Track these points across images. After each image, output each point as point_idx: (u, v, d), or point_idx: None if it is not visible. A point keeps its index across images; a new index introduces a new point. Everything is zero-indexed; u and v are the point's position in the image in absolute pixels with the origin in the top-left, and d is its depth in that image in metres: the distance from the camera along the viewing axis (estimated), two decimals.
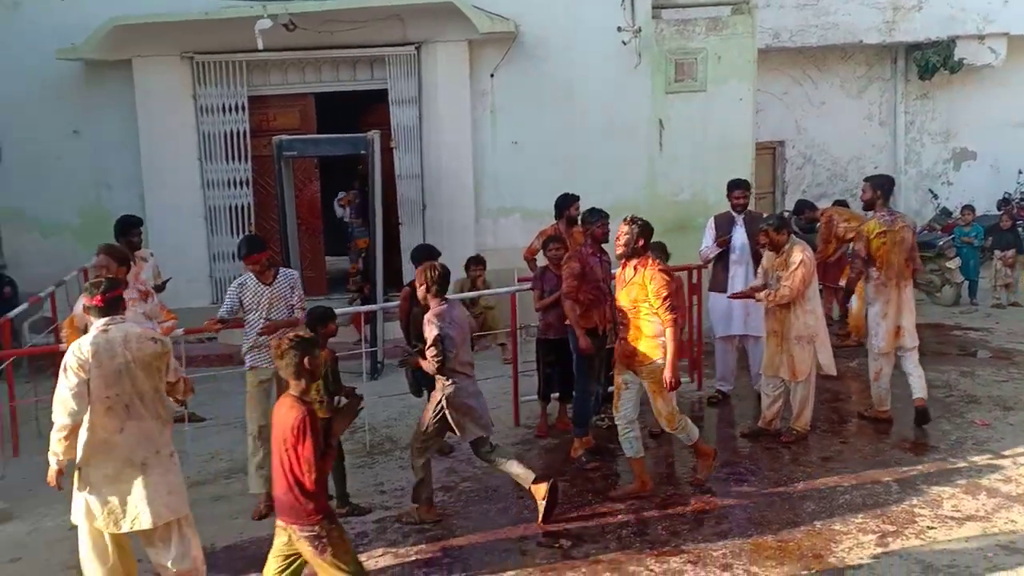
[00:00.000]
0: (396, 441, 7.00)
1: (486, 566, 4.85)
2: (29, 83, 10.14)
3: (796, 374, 6.55)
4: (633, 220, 5.57)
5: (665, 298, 5.40)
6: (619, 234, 5.58)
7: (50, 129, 10.23)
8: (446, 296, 5.43)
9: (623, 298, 5.62)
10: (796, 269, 6.39)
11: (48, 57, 9.91)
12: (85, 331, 5.88)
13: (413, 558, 5.01)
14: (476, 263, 9.55)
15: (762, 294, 6.59)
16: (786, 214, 11.02)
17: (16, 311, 7.74)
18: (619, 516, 5.42)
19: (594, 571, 4.75)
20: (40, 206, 10.36)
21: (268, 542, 5.20)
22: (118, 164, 10.32)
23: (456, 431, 5.37)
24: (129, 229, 7.34)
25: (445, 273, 5.43)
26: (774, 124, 14.19)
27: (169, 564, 4.25)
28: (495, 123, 10.37)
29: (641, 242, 5.52)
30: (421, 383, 6.52)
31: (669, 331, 5.41)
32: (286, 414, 3.79)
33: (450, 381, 5.29)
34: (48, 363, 8.39)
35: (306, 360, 3.83)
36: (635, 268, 5.55)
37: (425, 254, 6.61)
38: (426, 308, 5.43)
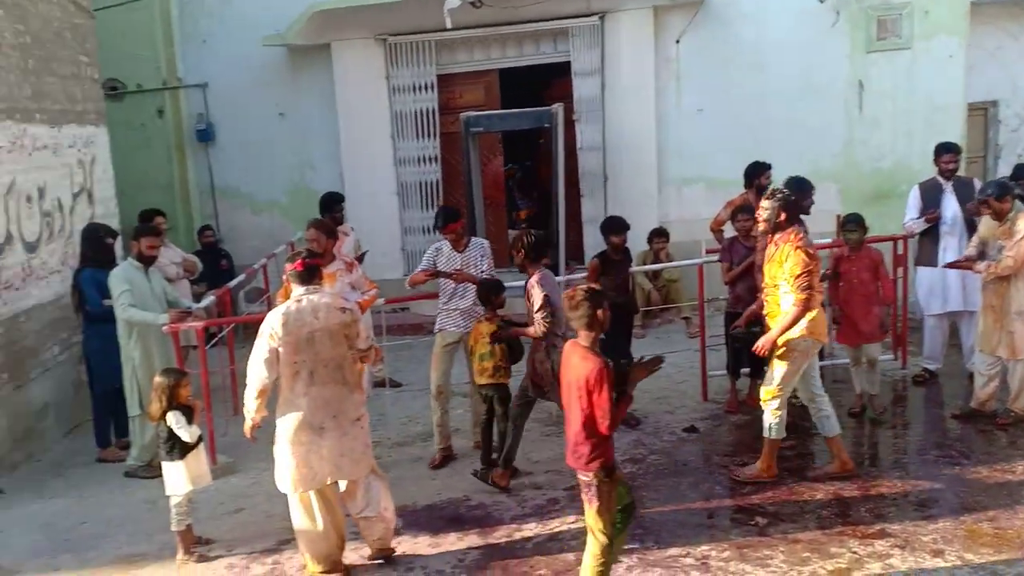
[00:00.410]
0: None
1: (678, 539, 4.81)
2: (240, 71, 10.94)
3: (1016, 352, 6.03)
4: (774, 194, 5.33)
5: (798, 276, 5.12)
6: (759, 208, 5.37)
7: (259, 113, 11.00)
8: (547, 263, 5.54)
9: (765, 275, 5.43)
10: (1022, 239, 5.86)
11: (256, 45, 10.64)
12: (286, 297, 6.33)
13: None
14: (658, 235, 9.43)
15: (981, 265, 6.09)
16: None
17: (234, 282, 8.42)
18: (818, 496, 5.22)
19: (792, 550, 4.60)
20: (251, 185, 11.20)
21: (463, 502, 5.45)
22: (319, 144, 10.96)
23: (545, 395, 5.50)
24: (333, 205, 7.78)
25: (541, 239, 5.58)
26: (986, 83, 12.97)
27: (357, 513, 4.68)
28: (680, 91, 10.14)
29: (783, 217, 5.25)
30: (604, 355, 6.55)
31: (793, 308, 5.14)
32: (579, 364, 3.91)
33: (556, 346, 5.31)
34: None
35: (598, 312, 3.95)
36: (776, 244, 5.31)
37: (615, 226, 6.58)
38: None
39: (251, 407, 4.49)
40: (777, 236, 5.29)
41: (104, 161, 8.93)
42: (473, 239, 6.29)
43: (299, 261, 4.57)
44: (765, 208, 5.30)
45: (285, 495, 5.52)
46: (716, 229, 7.95)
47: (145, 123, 10.98)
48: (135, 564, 4.97)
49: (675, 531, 4.91)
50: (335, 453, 4.50)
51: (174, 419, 4.96)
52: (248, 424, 4.54)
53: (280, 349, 4.38)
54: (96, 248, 6.99)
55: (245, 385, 7.73)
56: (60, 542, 5.31)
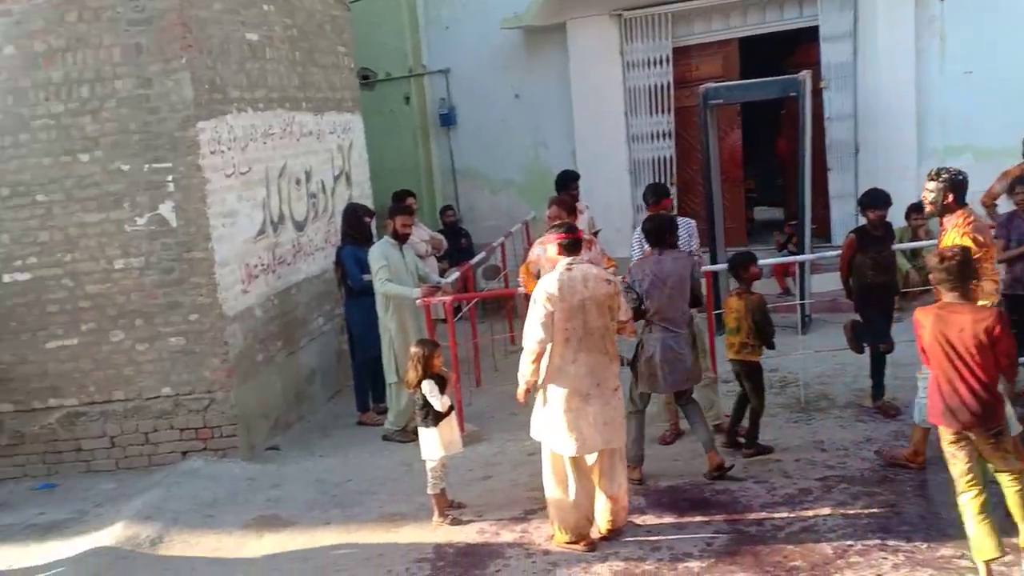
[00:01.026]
0: (832, 399, 6.66)
1: (949, 539, 4.41)
2: (480, 55, 11.31)
3: None
4: (938, 174, 4.79)
5: None
6: (924, 191, 4.86)
7: (496, 95, 11.33)
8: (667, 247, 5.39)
9: None
10: None
11: (494, 29, 10.94)
12: (538, 276, 6.46)
13: (865, 521, 4.73)
14: (917, 211, 8.66)
15: None
16: None
17: (475, 260, 8.74)
18: None
19: None
20: (488, 166, 11.58)
21: (707, 485, 5.32)
22: (553, 124, 11.12)
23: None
24: (568, 183, 7.85)
25: (660, 223, 5.44)
26: None
27: (602, 488, 4.74)
28: (943, 52, 9.25)
29: (950, 198, 4.73)
30: (861, 339, 6.14)
31: None
32: (971, 322, 3.91)
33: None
34: (497, 306, 9.42)
35: (968, 270, 4.03)
36: (944, 229, 4.80)
37: (875, 200, 6.16)
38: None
39: (526, 371, 4.64)
40: (946, 218, 4.80)
41: (360, 146, 9.57)
42: (679, 219, 6.17)
43: (561, 234, 4.72)
44: (929, 190, 4.82)
45: (530, 465, 5.71)
46: (988, 203, 7.20)
47: (393, 109, 11.65)
48: (395, 522, 5.30)
49: (945, 531, 4.51)
50: (600, 421, 4.60)
51: (428, 387, 5.22)
52: (522, 388, 4.69)
53: (556, 314, 4.50)
54: (355, 226, 7.50)
55: (488, 358, 8.14)
56: (330, 498, 5.78)
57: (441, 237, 8.84)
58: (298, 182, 8.08)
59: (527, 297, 6.76)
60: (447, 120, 11.57)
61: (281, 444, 6.93)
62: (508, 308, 9.21)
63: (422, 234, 8.36)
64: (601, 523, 4.86)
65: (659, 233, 5.41)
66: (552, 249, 4.86)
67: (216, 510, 5.60)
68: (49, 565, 4.98)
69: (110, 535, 5.19)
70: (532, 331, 4.57)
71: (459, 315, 7.85)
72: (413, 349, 5.37)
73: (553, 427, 4.65)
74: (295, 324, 7.73)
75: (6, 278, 6.47)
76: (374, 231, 7.87)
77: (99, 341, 6.48)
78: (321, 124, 8.70)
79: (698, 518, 4.97)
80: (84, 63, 6.30)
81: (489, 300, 8.98)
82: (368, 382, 7.41)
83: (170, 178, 6.40)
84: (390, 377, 6.85)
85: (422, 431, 5.29)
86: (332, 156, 8.89)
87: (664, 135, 10.63)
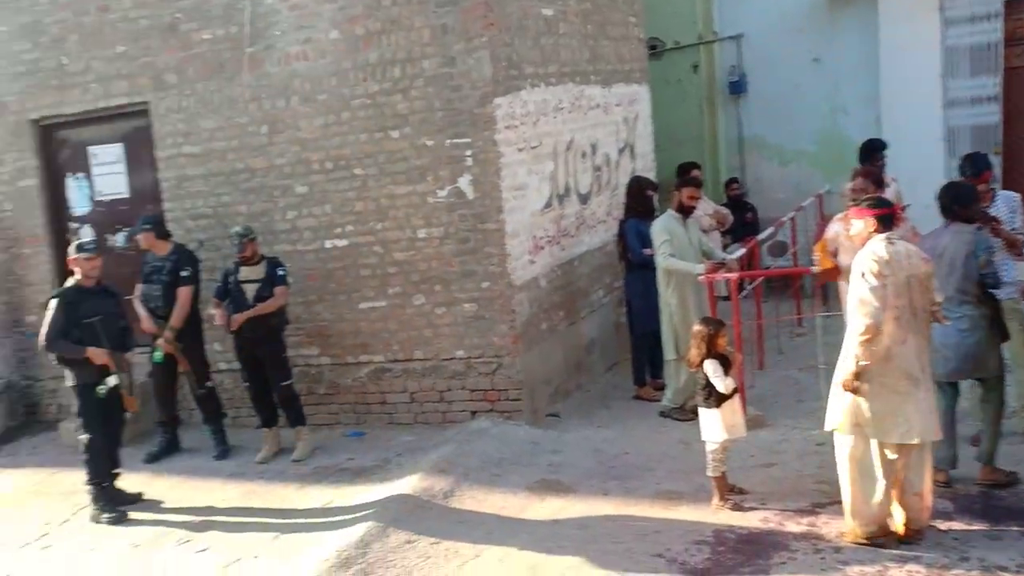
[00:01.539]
0: None
1: None
2: (775, 18, 10.73)
3: None
4: None
5: None
6: None
7: (791, 61, 10.69)
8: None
9: None
10: None
11: None
12: (835, 255, 6.04)
13: None
14: None
15: None
16: None
17: (763, 235, 8.37)
18: None
19: None
20: (779, 135, 10.99)
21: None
22: (855, 88, 10.32)
23: None
24: (873, 152, 7.24)
25: (948, 192, 4.96)
26: None
27: (906, 483, 4.39)
28: None
29: None
30: None
31: None
32: None
33: None
34: (784, 285, 8.97)
35: None
36: None
37: None
38: None
39: (858, 351, 4.28)
40: None
41: (645, 117, 9.50)
42: (1000, 192, 5.56)
43: (874, 209, 4.43)
44: None
45: (817, 456, 5.40)
46: None
47: (680, 79, 11.40)
48: (673, 501, 5.26)
49: None
50: (926, 408, 4.30)
51: (711, 368, 5.08)
52: (851, 371, 4.32)
53: (887, 288, 4.24)
54: (638, 200, 7.47)
55: (772, 339, 7.78)
56: (608, 468, 5.86)
57: (726, 211, 8.55)
58: (584, 155, 8.19)
59: (822, 276, 6.41)
60: (737, 88, 11.12)
61: (561, 411, 7.13)
62: (796, 288, 8.73)
63: (706, 208, 8.14)
64: (899, 522, 4.48)
65: (945, 202, 4.94)
66: (857, 225, 4.50)
67: (502, 470, 5.90)
68: (360, 506, 5.52)
69: (409, 484, 5.66)
70: (865, 305, 4.24)
71: (743, 293, 7.57)
72: (697, 327, 5.25)
73: (874, 411, 4.32)
74: (576, 295, 7.89)
75: (327, 244, 7.21)
76: (657, 204, 7.80)
77: (403, 304, 7.04)
78: (608, 97, 8.74)
79: (1015, 529, 4.42)
80: (397, 45, 6.78)
81: (776, 279, 8.56)
82: (646, 356, 7.39)
83: (468, 153, 6.74)
84: (669, 354, 6.78)
85: (703, 412, 5.18)
86: (618, 128, 8.91)
87: (989, 99, 9.47)
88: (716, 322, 5.29)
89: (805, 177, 10.50)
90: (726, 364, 5.12)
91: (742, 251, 7.53)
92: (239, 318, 6.44)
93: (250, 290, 6.57)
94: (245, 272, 6.61)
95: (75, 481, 6.28)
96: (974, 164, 5.60)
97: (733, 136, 11.36)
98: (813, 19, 10.50)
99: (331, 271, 7.21)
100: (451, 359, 6.96)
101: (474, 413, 6.85)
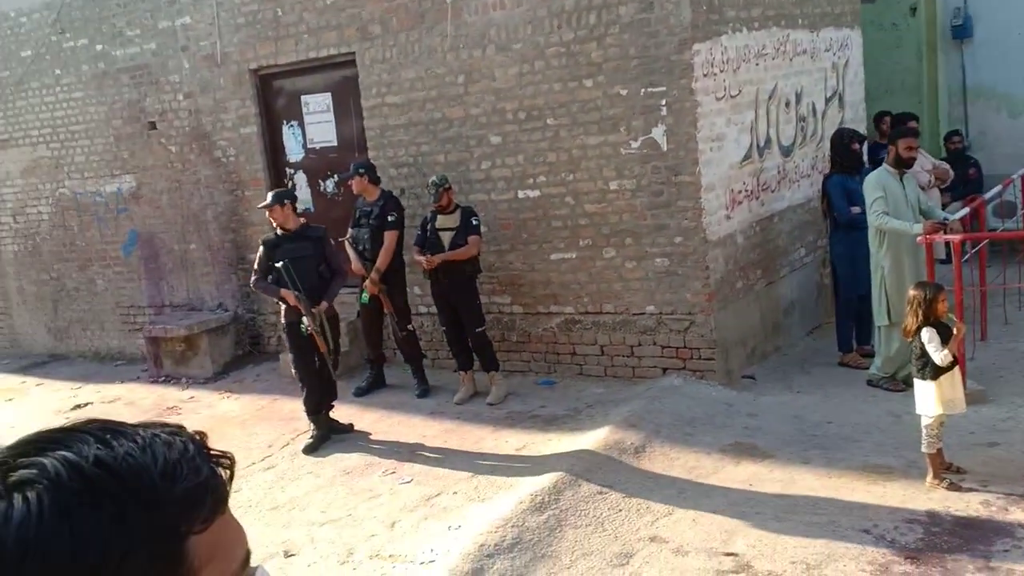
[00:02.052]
0: None
1: None
2: None
3: None
4: None
5: None
6: None
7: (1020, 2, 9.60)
8: None
9: None
10: None
11: None
12: None
13: None
14: None
15: None
16: None
17: (989, 194, 7.62)
18: None
19: None
20: (1010, 83, 9.95)
21: None
22: None
23: None
24: None
25: None
26: None
27: None
28: None
29: None
30: None
31: None
32: None
33: None
34: (1011, 250, 8.15)
35: None
36: None
37: None
38: None
39: None
40: None
41: (856, 64, 8.83)
42: None
43: None
44: None
45: None
46: None
47: (896, 22, 10.52)
48: (881, 475, 4.94)
49: None
50: None
51: (927, 336, 4.70)
52: None
53: None
54: (843, 154, 6.98)
55: (996, 308, 7.12)
56: (808, 436, 5.59)
57: (946, 166, 7.86)
58: (787, 104, 7.73)
59: None
60: (961, 32, 10.13)
61: (757, 374, 6.87)
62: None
63: (924, 163, 7.50)
64: None
65: None
66: None
67: (694, 429, 5.76)
68: (552, 455, 5.58)
69: (600, 436, 5.65)
70: None
71: (965, 257, 6.94)
72: (912, 292, 4.86)
73: None
74: (776, 253, 7.52)
75: (520, 194, 7.23)
76: (865, 159, 7.24)
77: (594, 256, 6.97)
78: (816, 42, 8.17)
79: None
80: None
81: (1002, 242, 7.79)
82: (852, 321, 6.95)
83: (663, 102, 6.51)
84: (880, 319, 6.34)
85: (918, 383, 4.81)
86: (825, 76, 8.33)
87: None
88: (935, 287, 4.88)
89: None
90: (945, 333, 4.71)
91: (965, 211, 6.89)
92: (433, 260, 6.60)
93: (446, 238, 6.72)
94: (441, 220, 6.76)
95: (294, 408, 6.78)
96: None
97: (956, 84, 10.38)
98: None
99: (523, 221, 7.24)
100: (641, 314, 6.84)
101: (665, 370, 6.73)
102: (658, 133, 6.58)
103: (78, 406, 8.12)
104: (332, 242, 6.68)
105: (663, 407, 6.05)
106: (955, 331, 4.79)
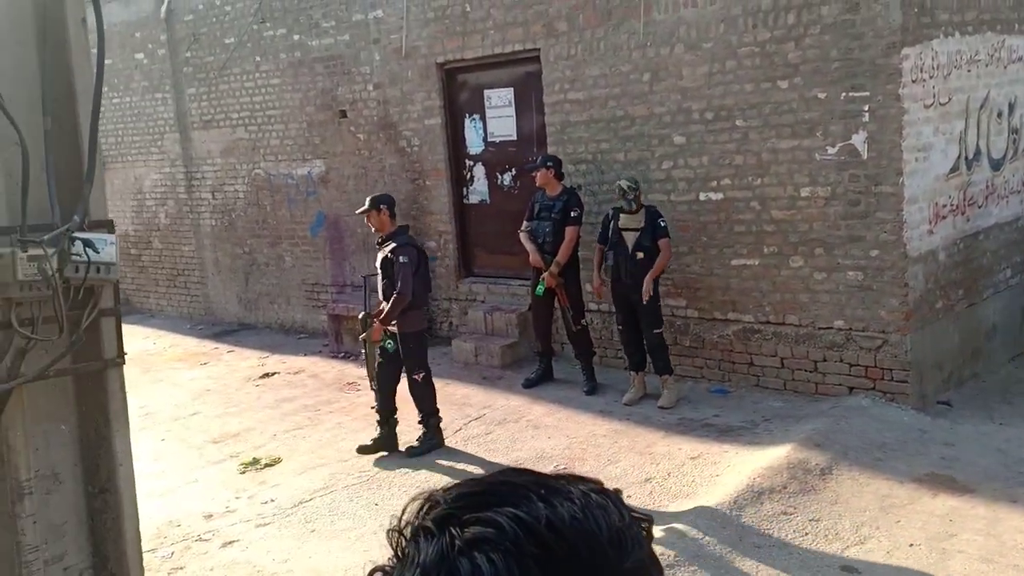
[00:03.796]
0: None
1: None
2: None
3: None
4: None
5: None
6: None
7: None
8: None
9: None
10: None
11: None
12: None
13: None
14: None
15: None
16: None
17: None
18: None
19: None
20: None
21: None
22: None
23: None
24: None
25: None
26: None
27: None
28: None
29: None
30: None
31: None
32: None
33: None
34: None
35: None
36: None
37: None
38: None
39: None
40: None
41: None
42: None
43: None
44: None
45: None
46: None
47: None
48: None
49: None
50: None
51: None
52: None
53: None
54: None
55: None
56: (1015, 473, 5.15)
57: None
58: (999, 115, 7.18)
59: None
60: None
61: (953, 400, 6.41)
62: None
63: None
64: None
65: None
66: None
67: (885, 455, 5.43)
68: (729, 466, 5.40)
69: (783, 453, 5.41)
70: None
71: None
72: None
73: None
74: (979, 273, 6.99)
75: (702, 196, 7.05)
76: None
77: (779, 265, 6.70)
78: None
79: None
80: None
81: None
82: None
83: (866, 107, 6.17)
84: None
85: None
86: None
87: None
88: None
89: None
90: None
91: None
92: (648, 290, 6.47)
93: (630, 238, 6.64)
94: (625, 220, 6.68)
95: (467, 393, 6.96)
96: None
97: None
98: None
99: (704, 224, 7.05)
100: (828, 328, 6.51)
101: (851, 389, 6.37)
102: (859, 140, 6.25)
103: (266, 375, 8.59)
104: (403, 260, 6.01)
105: (850, 428, 5.73)
106: None
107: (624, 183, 6.67)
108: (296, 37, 9.59)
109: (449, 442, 6.32)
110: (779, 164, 6.62)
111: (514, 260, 7.96)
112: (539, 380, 7.39)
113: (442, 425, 6.32)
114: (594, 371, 7.20)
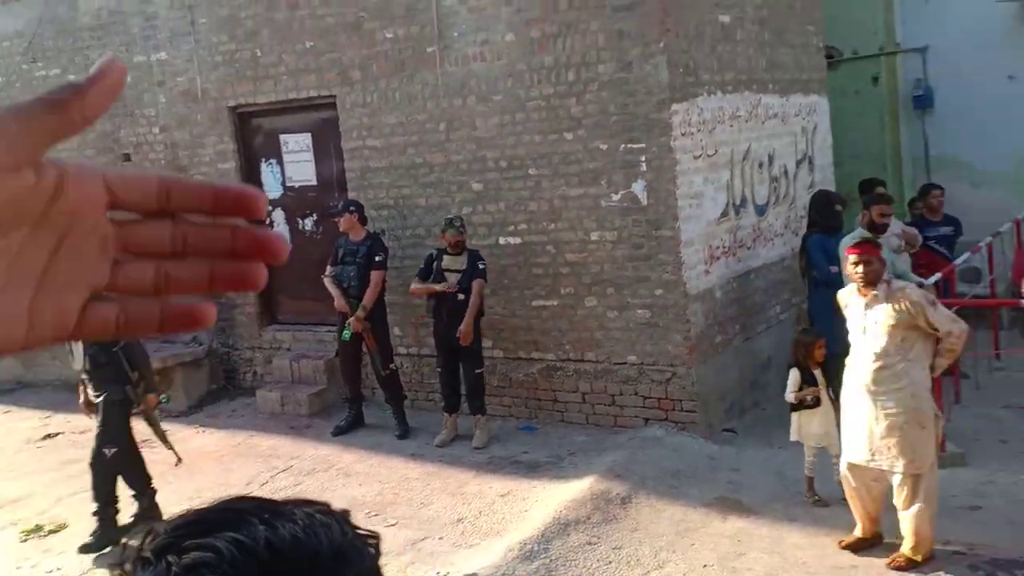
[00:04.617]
0: None
1: None
2: (965, 31, 10.07)
3: None
4: None
5: None
6: None
7: (982, 75, 10.00)
8: None
9: None
10: None
11: (985, 3, 9.66)
12: None
13: None
14: None
15: None
16: None
17: (959, 260, 7.84)
18: None
19: None
20: (971, 154, 10.28)
21: None
22: None
23: None
24: None
25: None
26: None
27: None
28: None
29: None
30: None
31: None
32: None
33: None
34: (976, 315, 8.33)
35: None
36: None
37: None
38: None
39: None
40: None
41: (824, 129, 9.10)
42: None
43: None
44: None
45: None
46: None
47: (859, 90, 10.90)
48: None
49: None
50: None
51: (792, 376, 5.50)
52: None
53: None
54: (825, 214, 7.12)
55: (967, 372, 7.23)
56: (792, 493, 5.57)
57: (915, 231, 8.05)
58: (760, 165, 7.90)
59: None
60: (922, 102, 10.52)
61: (737, 428, 6.88)
62: (994, 320, 8.13)
63: (894, 228, 7.68)
64: None
65: None
66: None
67: (679, 481, 5.71)
68: (537, 501, 5.47)
69: (586, 485, 5.56)
70: None
71: None
72: (798, 337, 5.55)
73: None
74: (753, 309, 7.60)
75: (501, 240, 7.22)
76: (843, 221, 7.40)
77: (575, 305, 6.96)
78: (786, 106, 8.41)
79: None
80: (572, 48, 6.71)
81: (970, 308, 7.98)
82: (830, 379, 7.01)
83: (643, 158, 6.60)
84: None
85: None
86: (796, 140, 8.56)
87: None
88: (815, 333, 5.67)
89: (1000, 200, 9.77)
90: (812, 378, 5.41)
91: (938, 276, 7.07)
92: (467, 334, 6.57)
93: (452, 279, 6.70)
94: (448, 261, 6.75)
95: (272, 444, 6.65)
96: None
97: (919, 153, 10.73)
98: (1005, 34, 9.80)
99: (504, 267, 7.22)
100: (623, 363, 6.82)
101: (647, 420, 6.69)
102: (638, 188, 6.66)
103: (49, 435, 7.85)
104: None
105: (647, 457, 6.00)
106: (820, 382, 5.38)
107: (451, 216, 6.84)
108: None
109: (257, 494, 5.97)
110: (569, 210, 6.92)
111: (319, 306, 7.75)
112: (349, 427, 7.22)
113: (248, 480, 6.02)
114: (405, 415, 7.14)
